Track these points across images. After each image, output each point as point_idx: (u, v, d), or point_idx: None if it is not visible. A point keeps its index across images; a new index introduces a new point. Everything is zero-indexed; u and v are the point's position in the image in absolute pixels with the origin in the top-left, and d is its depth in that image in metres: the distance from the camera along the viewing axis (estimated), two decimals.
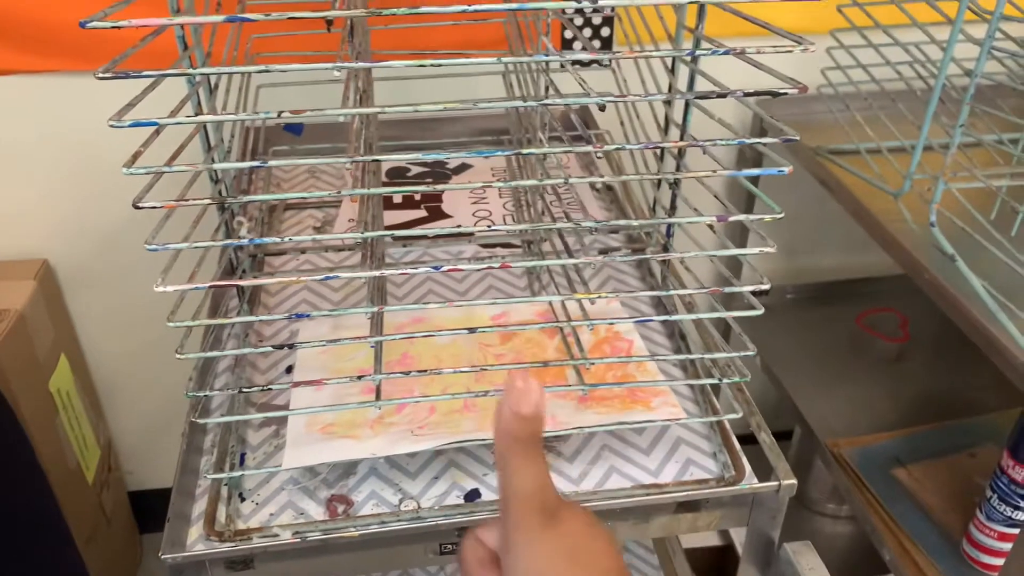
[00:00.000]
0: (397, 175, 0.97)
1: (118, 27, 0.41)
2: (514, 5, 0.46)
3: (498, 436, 0.36)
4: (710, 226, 0.59)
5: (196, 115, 0.58)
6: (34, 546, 0.84)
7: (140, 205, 0.46)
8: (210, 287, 0.52)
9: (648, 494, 0.59)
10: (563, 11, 0.79)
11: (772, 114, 0.55)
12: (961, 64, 0.83)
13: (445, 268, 0.53)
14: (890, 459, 1.04)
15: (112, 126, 0.44)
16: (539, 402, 0.35)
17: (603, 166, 0.98)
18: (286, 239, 0.54)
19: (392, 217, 0.89)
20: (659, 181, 0.73)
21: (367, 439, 0.58)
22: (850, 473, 1.02)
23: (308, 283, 0.80)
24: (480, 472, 0.60)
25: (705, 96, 0.51)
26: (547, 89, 0.71)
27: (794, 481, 0.59)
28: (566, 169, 0.97)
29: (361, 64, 0.46)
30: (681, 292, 0.62)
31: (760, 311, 0.55)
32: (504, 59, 0.49)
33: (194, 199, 0.50)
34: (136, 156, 0.46)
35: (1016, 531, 0.85)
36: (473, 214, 0.90)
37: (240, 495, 0.59)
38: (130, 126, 0.44)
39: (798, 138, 0.50)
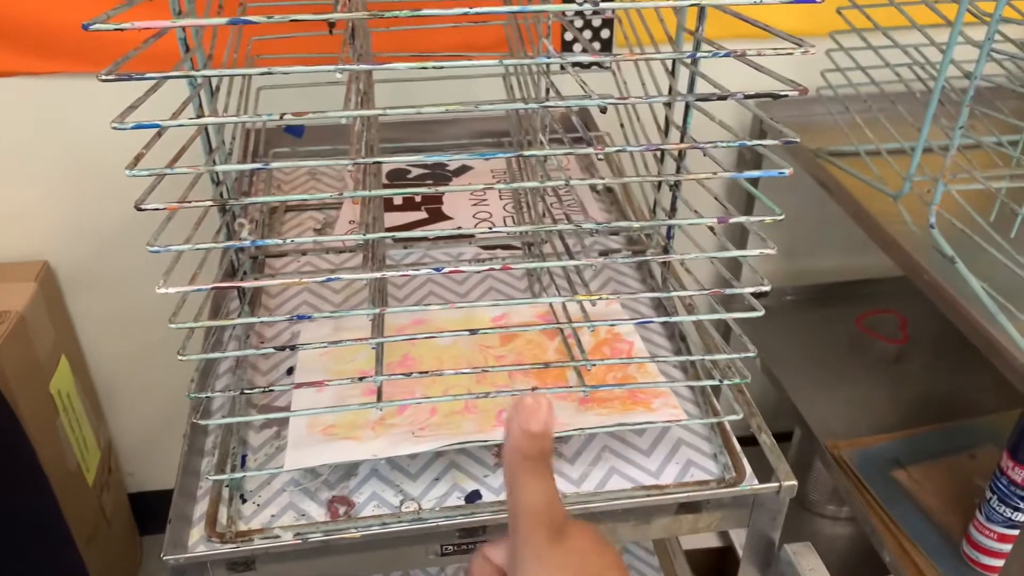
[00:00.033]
0: (397, 177, 0.98)
1: (121, 29, 0.42)
2: (515, 7, 0.47)
3: (507, 454, 0.36)
4: (710, 228, 0.59)
5: (198, 117, 0.58)
6: (34, 546, 0.84)
7: (142, 207, 0.46)
8: (212, 288, 0.52)
9: (649, 495, 0.59)
10: (563, 13, 0.80)
11: (772, 116, 0.55)
12: (960, 66, 0.83)
13: (446, 270, 0.53)
14: (890, 460, 1.04)
15: (115, 128, 0.44)
16: (548, 420, 0.35)
17: (603, 168, 0.98)
18: (287, 241, 0.54)
19: (393, 219, 0.89)
20: (659, 183, 0.73)
21: (368, 440, 0.58)
22: (850, 474, 1.02)
23: (309, 285, 0.80)
24: (481, 473, 0.61)
25: (705, 98, 0.52)
26: (548, 91, 0.71)
27: (795, 482, 0.59)
28: (566, 171, 0.97)
29: (364, 66, 0.46)
30: (681, 294, 0.62)
31: (760, 312, 0.56)
32: (505, 61, 0.50)
33: (196, 201, 0.51)
34: (138, 158, 0.47)
35: (1016, 532, 0.85)
36: (473, 216, 0.90)
37: (241, 496, 0.59)
38: (133, 128, 0.44)
39: (798, 140, 0.50)
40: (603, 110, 0.50)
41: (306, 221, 0.91)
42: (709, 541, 1.34)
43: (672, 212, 0.71)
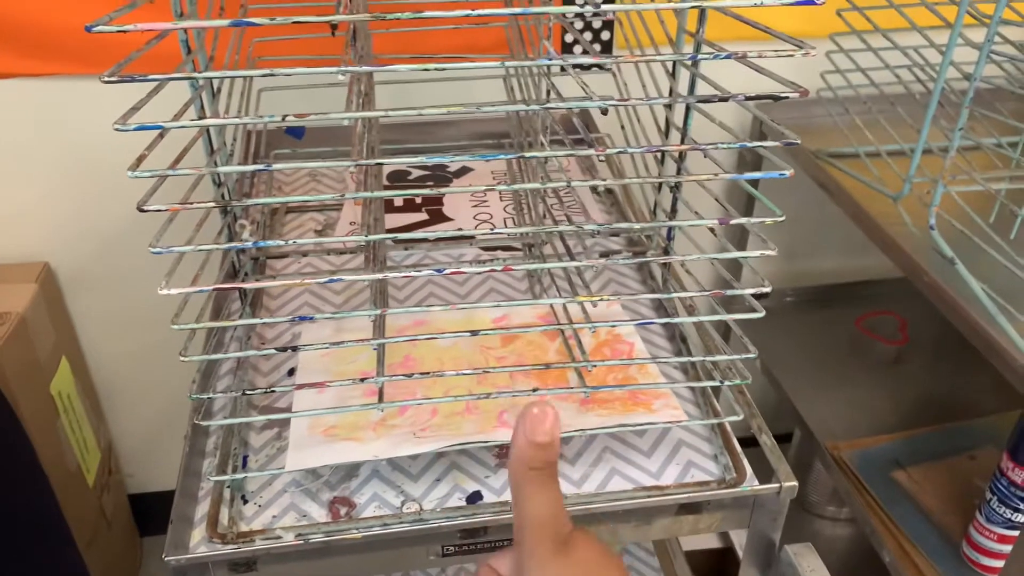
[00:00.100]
0: (398, 178, 0.98)
1: (124, 31, 0.42)
2: (516, 9, 0.47)
3: (513, 464, 0.36)
4: (711, 229, 0.59)
5: (200, 119, 0.59)
6: (35, 547, 0.84)
7: (145, 208, 0.47)
8: (214, 290, 0.52)
9: (649, 496, 0.59)
10: (564, 15, 0.80)
11: (772, 117, 0.55)
12: (960, 68, 0.83)
13: (447, 271, 0.53)
14: (890, 461, 1.04)
15: (117, 130, 0.44)
16: (554, 430, 0.35)
17: (604, 169, 0.98)
18: (288, 242, 0.54)
19: (393, 220, 0.89)
20: (660, 184, 0.73)
21: (369, 441, 0.58)
22: (850, 475, 1.02)
23: (310, 286, 0.80)
24: (482, 474, 0.61)
25: (706, 100, 0.52)
26: (548, 93, 0.71)
27: (795, 483, 0.59)
28: (567, 172, 0.98)
29: (366, 68, 0.46)
30: (682, 295, 0.62)
31: (761, 313, 0.56)
32: (506, 63, 0.50)
33: (197, 202, 0.51)
34: (141, 159, 0.47)
35: (1016, 533, 0.85)
36: (474, 217, 0.90)
37: (243, 497, 0.59)
38: (135, 130, 0.44)
39: (799, 142, 0.50)
40: (604, 111, 0.50)
41: (307, 222, 0.91)
42: (709, 542, 1.34)
43: (673, 213, 0.71)
